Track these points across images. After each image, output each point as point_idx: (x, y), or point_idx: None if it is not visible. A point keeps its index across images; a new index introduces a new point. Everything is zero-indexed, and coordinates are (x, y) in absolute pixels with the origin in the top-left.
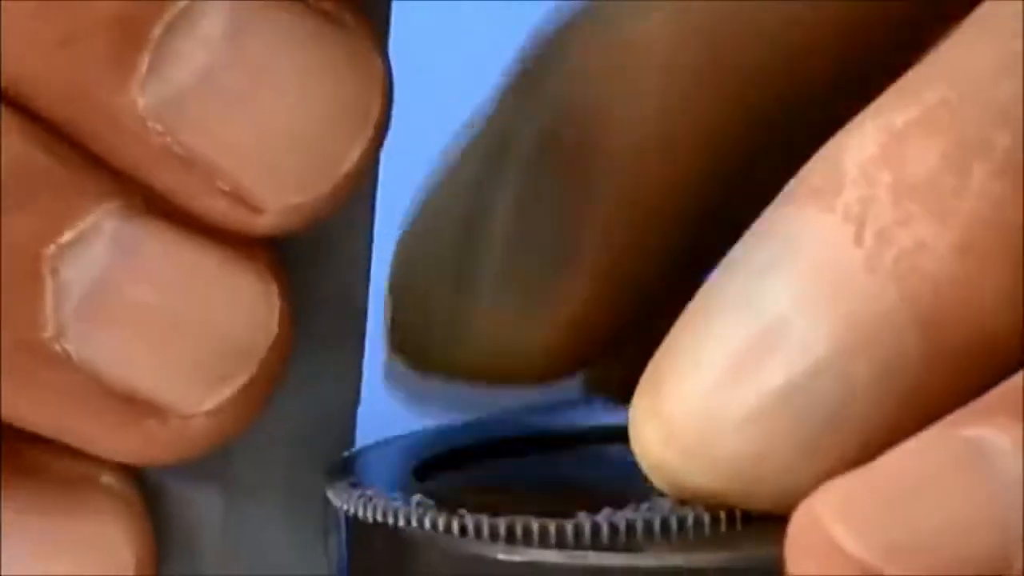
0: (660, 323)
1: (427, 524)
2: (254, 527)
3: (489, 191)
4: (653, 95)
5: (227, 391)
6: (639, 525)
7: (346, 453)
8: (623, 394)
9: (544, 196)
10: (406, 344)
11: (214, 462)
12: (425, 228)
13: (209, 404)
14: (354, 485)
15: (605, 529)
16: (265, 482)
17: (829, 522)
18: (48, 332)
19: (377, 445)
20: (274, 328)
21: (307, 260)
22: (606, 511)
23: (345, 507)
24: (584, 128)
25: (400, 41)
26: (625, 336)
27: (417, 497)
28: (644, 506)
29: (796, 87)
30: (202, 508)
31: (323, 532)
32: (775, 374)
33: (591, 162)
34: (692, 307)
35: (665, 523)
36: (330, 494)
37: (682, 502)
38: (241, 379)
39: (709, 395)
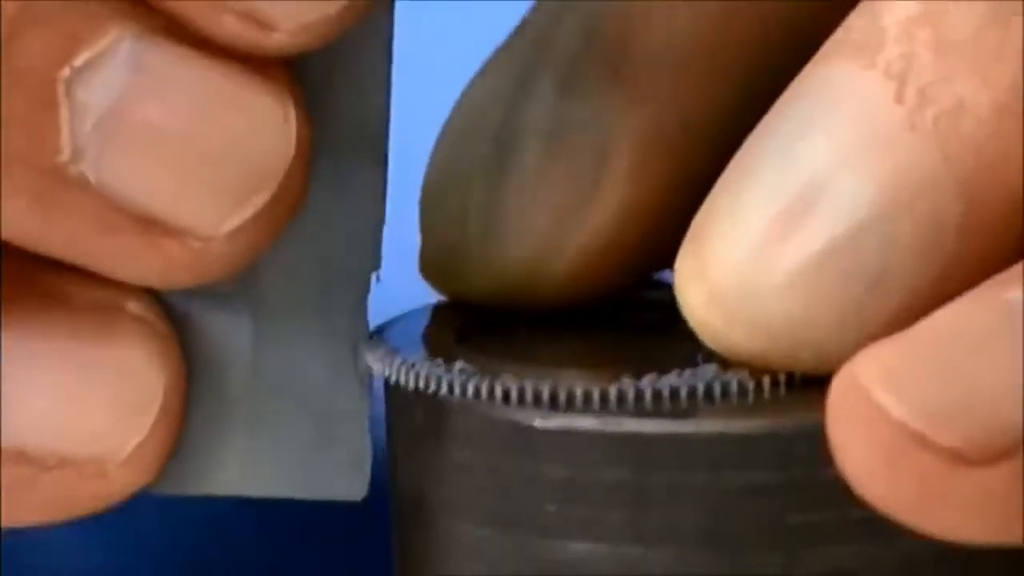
0: None
1: (468, 391)
2: (284, 349)
3: (528, 95)
4: (697, 4)
5: (246, 212)
6: (682, 391)
7: (370, 276)
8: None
9: (583, 99)
10: (435, 269)
11: (241, 286)
12: (455, 152)
13: (228, 225)
14: (394, 351)
15: (648, 395)
16: (293, 304)
17: (871, 387)
18: (65, 155)
19: (416, 311)
20: (292, 147)
21: (325, 80)
22: (650, 377)
23: (387, 373)
24: (625, 32)
25: None
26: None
27: (459, 364)
28: (688, 372)
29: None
30: (231, 333)
31: (353, 351)
32: (817, 235)
33: (632, 67)
34: (732, 166)
35: (708, 389)
36: (370, 361)
37: (728, 367)
38: (260, 199)
39: (750, 257)
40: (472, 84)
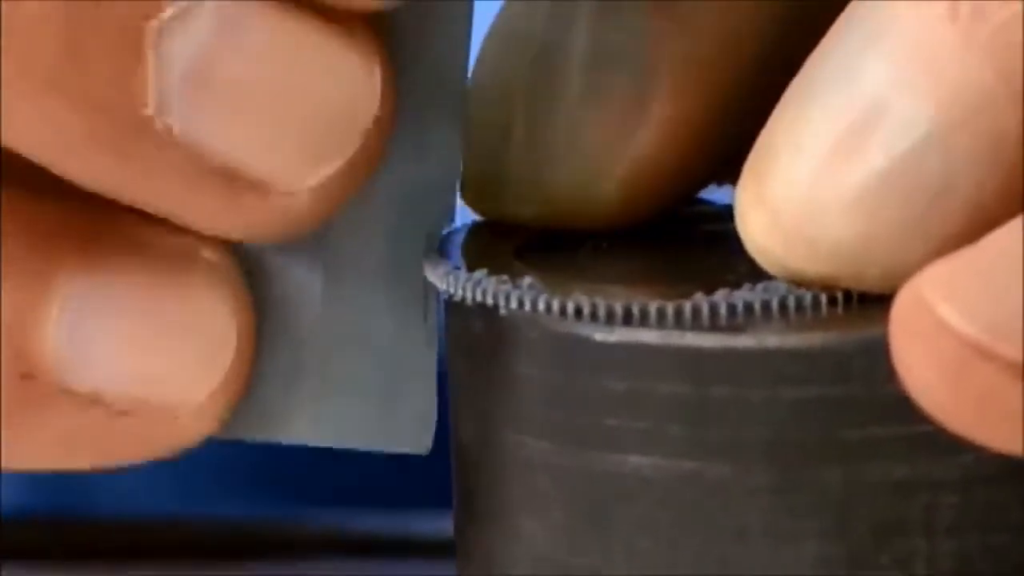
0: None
1: (539, 307)
2: (354, 301)
3: (567, 16)
4: None
5: (329, 168)
6: (742, 307)
7: (443, 231)
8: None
9: (624, 20)
10: (477, 191)
11: (314, 238)
12: (497, 74)
13: (311, 181)
14: (456, 268)
15: (705, 310)
16: (365, 254)
17: (934, 301)
18: (150, 108)
19: (468, 226)
20: (376, 104)
21: (407, 38)
22: (721, 292)
23: (450, 290)
24: None
25: None
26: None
27: (527, 280)
28: (759, 287)
29: None
30: (302, 284)
31: (423, 302)
32: (877, 155)
33: None
34: (791, 90)
35: (767, 305)
36: (431, 277)
37: (796, 286)
38: (344, 156)
39: (811, 181)
40: (507, 5)
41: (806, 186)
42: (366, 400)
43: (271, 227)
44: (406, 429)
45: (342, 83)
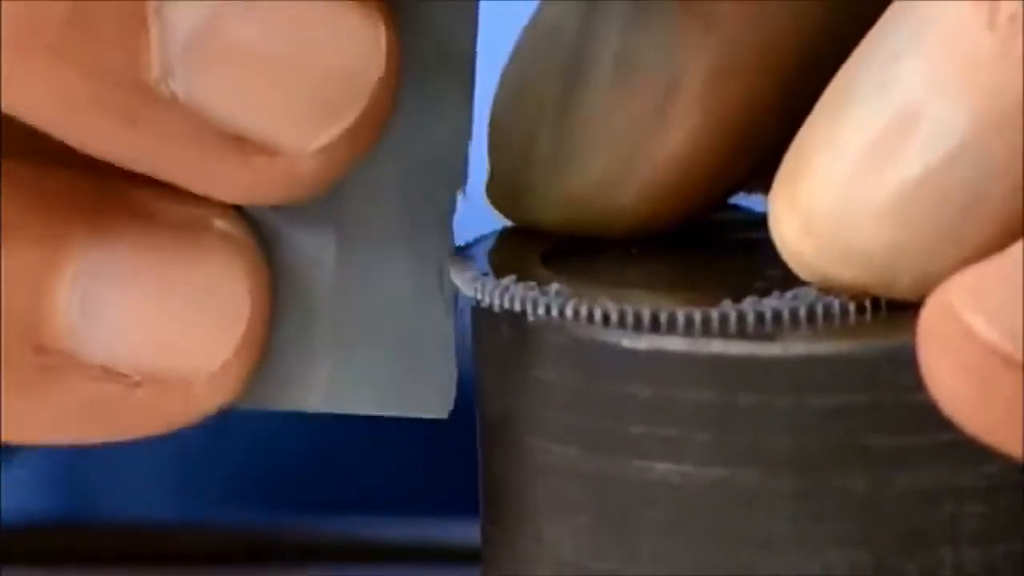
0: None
1: (556, 312)
2: (368, 267)
3: (598, 21)
4: None
5: (335, 129)
6: (770, 315)
7: (477, 237)
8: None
9: (654, 27)
10: (502, 194)
11: (326, 204)
12: (525, 77)
13: (318, 142)
14: (484, 274)
15: (733, 318)
16: (378, 223)
17: (962, 310)
18: (155, 73)
19: (494, 233)
20: (381, 65)
21: (417, 1)
22: (749, 300)
23: (478, 296)
24: None
25: None
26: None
27: (555, 286)
28: (788, 295)
29: None
30: (316, 251)
31: (439, 270)
32: (912, 161)
33: None
34: (827, 96)
35: (795, 313)
36: (459, 283)
37: (827, 292)
38: (350, 117)
39: (845, 186)
40: (541, 8)
41: (840, 191)
42: (383, 365)
43: (280, 189)
44: (425, 393)
45: (346, 43)
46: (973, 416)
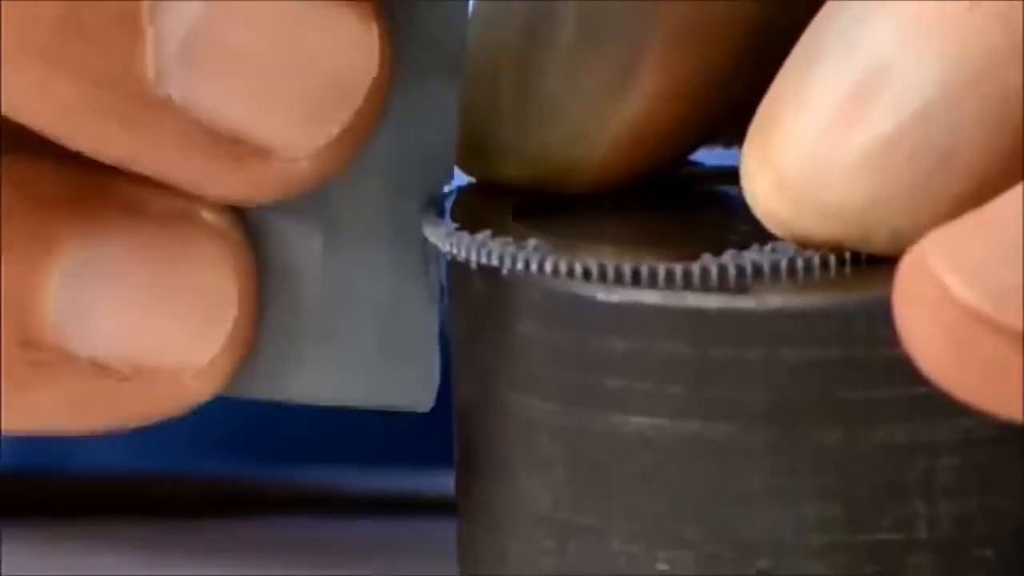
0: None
1: (535, 267)
2: (354, 261)
3: None
4: None
5: (330, 131)
6: (751, 268)
7: (442, 191)
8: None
9: (609, 3)
10: (465, 153)
11: (313, 201)
12: (487, 36)
13: (312, 144)
14: (459, 229)
15: (714, 271)
16: (365, 218)
17: (938, 268)
18: (149, 76)
19: (463, 188)
20: (375, 67)
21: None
22: (729, 253)
23: (453, 251)
24: None
25: None
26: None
27: (533, 242)
28: (767, 248)
29: None
30: (302, 245)
31: (424, 264)
32: (885, 116)
33: None
34: (796, 53)
35: (776, 266)
36: (433, 237)
37: (803, 247)
38: (344, 118)
39: (817, 143)
40: None
41: (812, 148)
42: (367, 358)
43: (273, 190)
44: (408, 386)
45: (339, 45)
46: (949, 374)
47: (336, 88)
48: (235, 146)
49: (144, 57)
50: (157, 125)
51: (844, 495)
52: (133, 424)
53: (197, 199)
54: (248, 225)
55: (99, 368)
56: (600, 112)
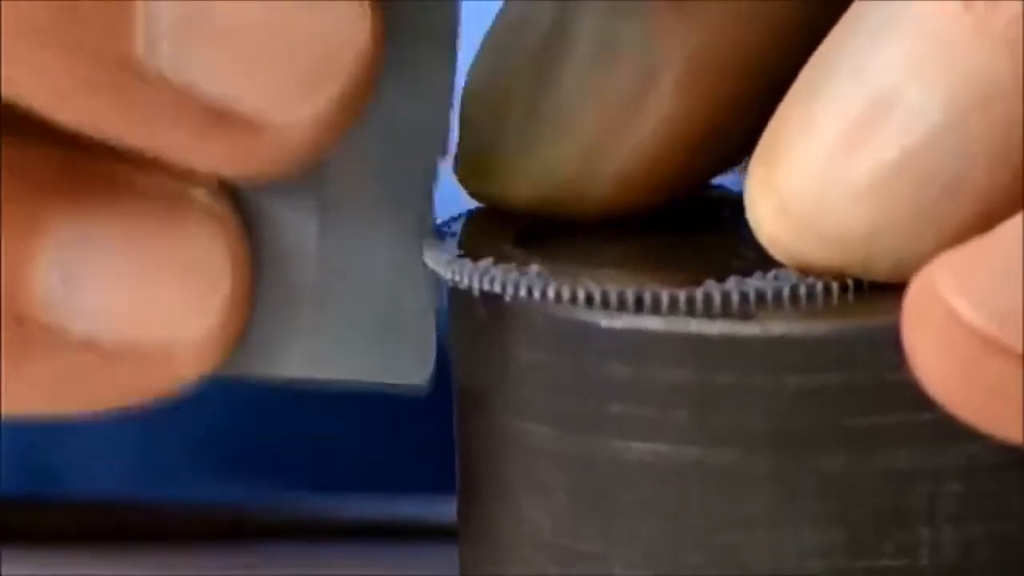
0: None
1: (538, 294)
2: (350, 240)
3: (574, 6)
4: None
5: (320, 101)
6: (754, 295)
7: (447, 218)
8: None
9: (634, 12)
10: (471, 172)
11: (308, 182)
12: (500, 55)
13: (303, 115)
14: (460, 256)
15: (717, 298)
16: (360, 192)
17: (947, 292)
18: (140, 49)
19: (466, 214)
20: (365, 35)
21: None
22: (732, 280)
23: (455, 278)
24: None
25: None
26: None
27: (535, 267)
28: (770, 275)
29: None
30: (297, 225)
31: (420, 239)
32: (889, 145)
33: None
34: (802, 79)
35: (779, 293)
36: (434, 265)
37: (805, 274)
38: (334, 89)
39: (822, 169)
40: None
41: (816, 174)
42: (363, 334)
43: (266, 163)
44: (404, 362)
45: (329, 17)
46: (956, 397)
47: (326, 59)
48: (225, 119)
49: (135, 31)
50: (147, 99)
51: (846, 521)
52: (125, 403)
53: (190, 177)
54: (243, 205)
55: (91, 345)
56: (608, 138)
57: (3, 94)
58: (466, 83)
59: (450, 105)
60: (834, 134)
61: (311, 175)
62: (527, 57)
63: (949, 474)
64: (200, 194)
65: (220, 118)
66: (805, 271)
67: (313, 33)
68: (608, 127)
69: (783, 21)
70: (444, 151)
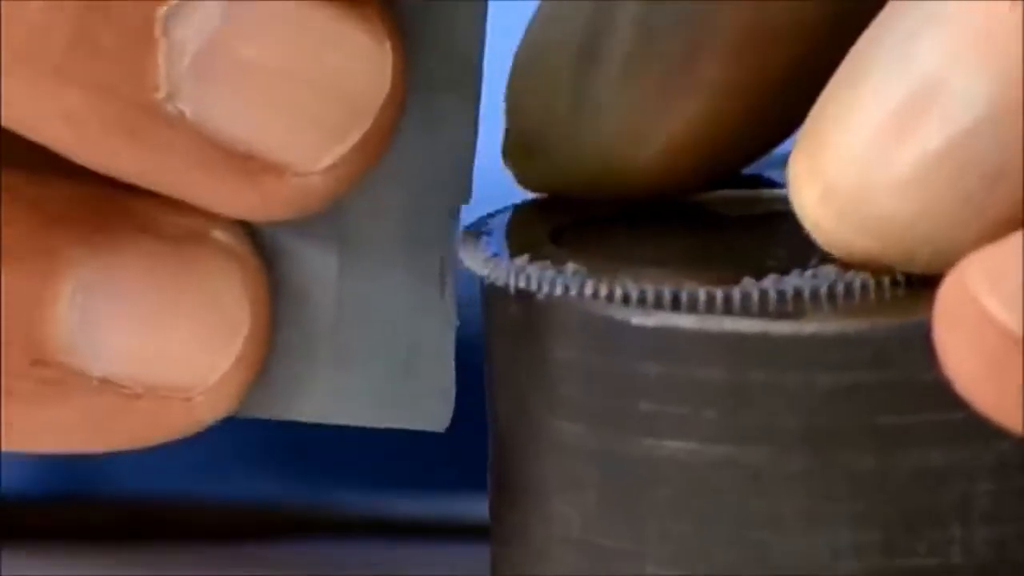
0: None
1: (575, 292)
2: (370, 280)
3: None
4: None
5: (342, 147)
6: (791, 293)
7: (481, 216)
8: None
9: (669, 6)
10: (519, 154)
11: (328, 218)
12: (546, 35)
13: (325, 161)
14: (495, 253)
15: (755, 296)
16: (380, 236)
17: (979, 292)
18: (162, 93)
19: (499, 211)
20: (388, 82)
21: (420, 14)
22: (770, 278)
23: (490, 275)
24: None
25: None
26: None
27: (571, 266)
28: (808, 273)
29: None
30: (317, 264)
31: (440, 279)
32: (933, 133)
33: None
34: (846, 66)
35: (816, 291)
36: (469, 262)
37: (847, 268)
38: (356, 134)
39: (865, 156)
40: None
41: (860, 161)
42: (382, 377)
43: (286, 206)
44: (424, 406)
45: (353, 61)
46: (986, 396)
47: (348, 104)
48: (247, 162)
49: (156, 71)
50: (168, 140)
51: (879, 520)
52: (144, 443)
53: (209, 217)
54: (263, 243)
55: (109, 386)
56: (655, 113)
57: (20, 128)
58: (512, 67)
59: (473, 151)
60: (878, 121)
61: (332, 214)
62: (572, 36)
63: (982, 473)
64: (219, 234)
65: (240, 161)
66: (847, 257)
67: (338, 78)
68: (654, 103)
69: (827, 16)
70: (465, 197)
